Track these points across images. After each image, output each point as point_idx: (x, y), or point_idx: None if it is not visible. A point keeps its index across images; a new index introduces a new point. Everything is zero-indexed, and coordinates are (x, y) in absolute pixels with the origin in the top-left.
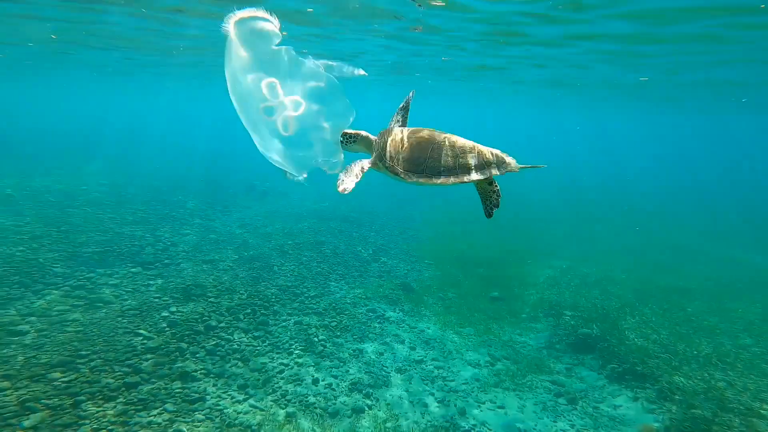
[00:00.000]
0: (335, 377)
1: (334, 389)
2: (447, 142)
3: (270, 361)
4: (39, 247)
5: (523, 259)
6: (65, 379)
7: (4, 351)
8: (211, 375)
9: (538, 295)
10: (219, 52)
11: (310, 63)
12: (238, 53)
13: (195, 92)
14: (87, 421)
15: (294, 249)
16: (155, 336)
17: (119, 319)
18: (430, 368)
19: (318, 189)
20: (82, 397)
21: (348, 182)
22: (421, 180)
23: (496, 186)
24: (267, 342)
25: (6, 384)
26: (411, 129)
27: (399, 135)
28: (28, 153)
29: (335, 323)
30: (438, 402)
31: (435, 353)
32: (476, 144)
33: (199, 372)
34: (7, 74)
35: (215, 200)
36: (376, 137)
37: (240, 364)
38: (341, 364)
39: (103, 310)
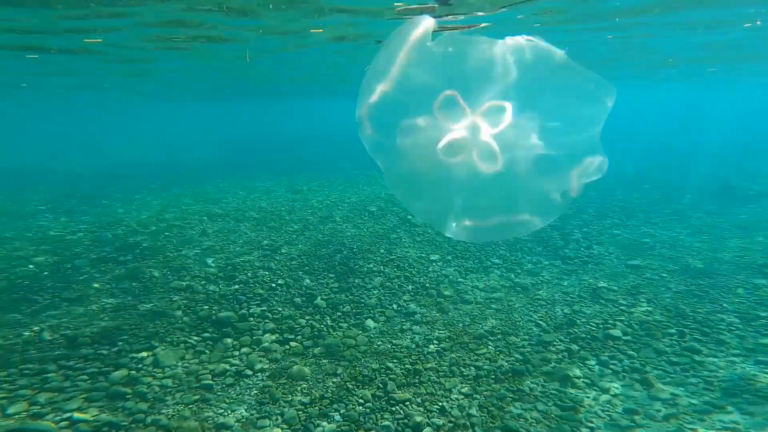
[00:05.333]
0: None
1: None
2: None
3: (689, 397)
4: None
5: None
6: (480, 352)
7: (453, 314)
8: (595, 387)
9: None
10: None
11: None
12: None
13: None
14: (478, 397)
15: None
16: (551, 331)
17: (528, 306)
18: None
19: None
20: (482, 373)
21: None
22: None
23: None
24: (691, 373)
25: (446, 345)
26: None
27: None
28: None
29: None
30: None
31: None
32: None
33: (581, 380)
34: None
35: (666, 201)
36: None
37: (639, 386)
38: None
39: (521, 295)
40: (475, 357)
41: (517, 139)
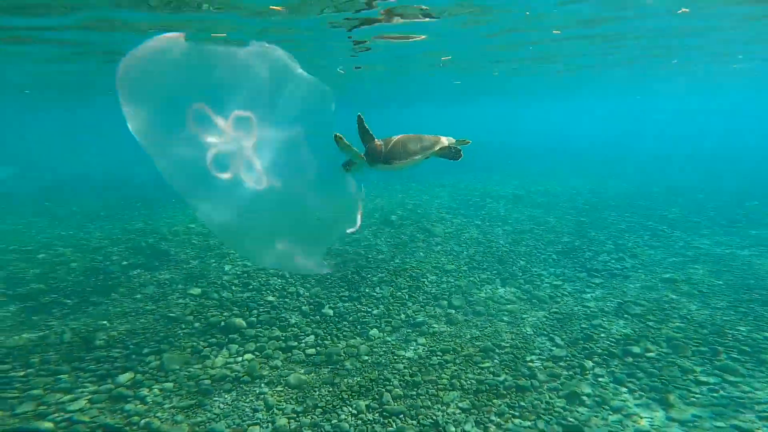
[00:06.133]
0: None
1: None
2: (409, 138)
3: (714, 419)
4: (520, 240)
5: None
6: (484, 365)
7: (462, 326)
8: (605, 406)
9: None
10: None
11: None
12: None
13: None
14: (475, 412)
15: None
16: (565, 346)
17: (544, 319)
18: None
19: None
20: (483, 387)
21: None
22: (407, 160)
23: (447, 150)
24: (722, 394)
25: (449, 357)
26: (385, 140)
27: (384, 145)
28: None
29: None
30: None
31: None
32: (425, 135)
33: (591, 398)
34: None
35: (716, 210)
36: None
37: (654, 405)
38: None
39: (536, 308)
40: (479, 370)
41: (267, 150)
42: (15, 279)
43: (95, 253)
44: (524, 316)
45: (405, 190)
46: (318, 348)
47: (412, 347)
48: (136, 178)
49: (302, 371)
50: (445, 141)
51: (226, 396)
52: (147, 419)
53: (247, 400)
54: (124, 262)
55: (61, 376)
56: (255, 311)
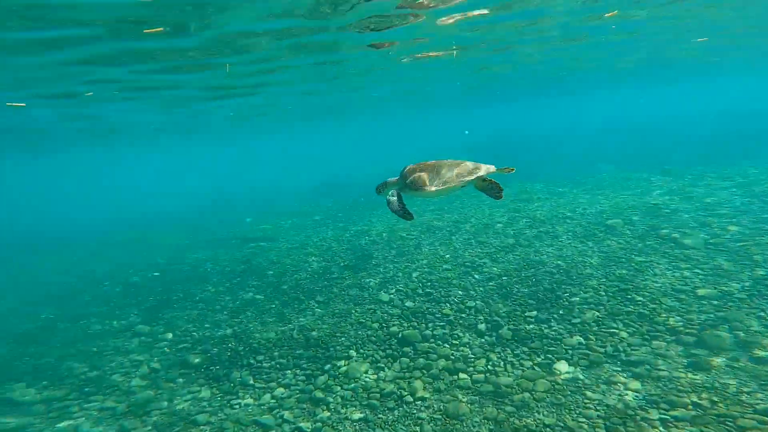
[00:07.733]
0: None
1: None
2: (445, 164)
3: None
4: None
5: None
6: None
7: (720, 374)
8: None
9: None
10: None
11: None
12: None
13: None
14: None
15: None
16: None
17: None
18: None
19: None
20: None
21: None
22: (441, 187)
23: (489, 181)
24: None
25: (687, 413)
26: (419, 164)
27: (417, 169)
28: None
29: None
30: None
31: None
32: (463, 161)
33: None
34: None
35: None
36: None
37: None
38: None
39: None
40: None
41: None
42: (280, 276)
43: (326, 253)
44: None
45: (634, 185)
46: (487, 374)
47: (617, 391)
48: (362, 178)
49: (465, 400)
50: (483, 170)
51: (388, 414)
52: (326, 427)
53: (405, 423)
54: (342, 263)
55: (286, 371)
56: (431, 324)
